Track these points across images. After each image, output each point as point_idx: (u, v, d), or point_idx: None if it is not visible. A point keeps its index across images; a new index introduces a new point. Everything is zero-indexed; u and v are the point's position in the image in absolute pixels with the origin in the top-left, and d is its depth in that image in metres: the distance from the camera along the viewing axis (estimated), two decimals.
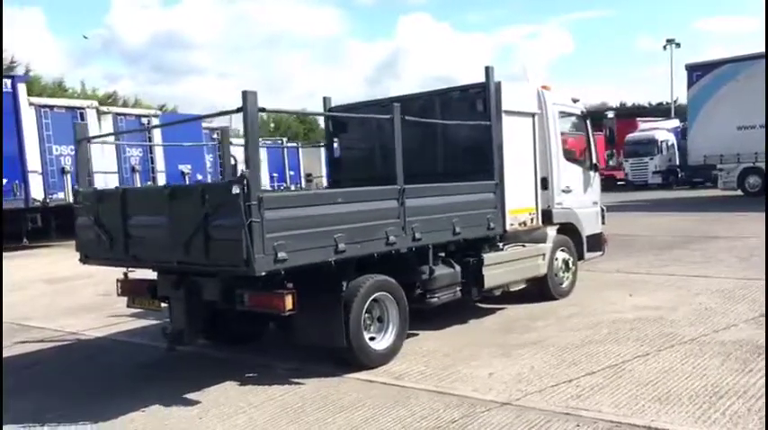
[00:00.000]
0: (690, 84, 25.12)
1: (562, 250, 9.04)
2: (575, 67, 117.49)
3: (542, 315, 8.16)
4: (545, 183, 8.77)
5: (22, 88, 19.31)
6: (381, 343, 6.50)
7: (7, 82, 19.11)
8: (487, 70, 7.68)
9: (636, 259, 12.28)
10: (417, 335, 7.50)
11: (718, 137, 23.06)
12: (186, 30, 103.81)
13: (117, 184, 23.84)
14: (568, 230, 9.22)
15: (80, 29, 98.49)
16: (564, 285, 9.08)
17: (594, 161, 9.82)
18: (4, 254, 17.61)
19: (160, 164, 26.54)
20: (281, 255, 5.36)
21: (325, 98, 9.21)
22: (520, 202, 8.18)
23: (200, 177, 28.11)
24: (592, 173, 9.75)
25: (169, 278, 6.27)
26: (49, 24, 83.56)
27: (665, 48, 54.04)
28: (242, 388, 6.03)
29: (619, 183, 43.81)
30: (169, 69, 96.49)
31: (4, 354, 7.67)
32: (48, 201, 20.14)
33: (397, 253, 6.53)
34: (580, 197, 9.43)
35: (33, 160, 20.13)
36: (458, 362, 6.44)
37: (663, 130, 40.26)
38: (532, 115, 8.41)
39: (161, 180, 26.09)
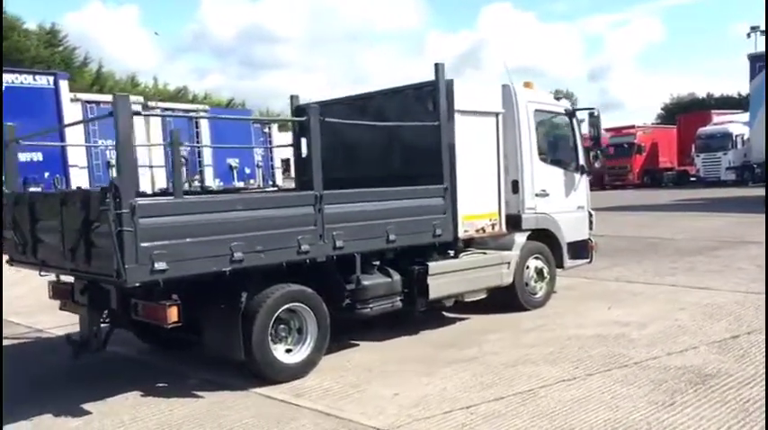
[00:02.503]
0: (752, 75, 23.43)
1: (536, 258, 8.47)
2: (665, 56, 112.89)
3: (501, 327, 7.67)
4: (516, 187, 8.22)
5: (64, 85, 19.93)
6: (297, 355, 6.21)
7: (50, 78, 19.80)
8: (437, 67, 7.21)
9: (646, 266, 11.47)
10: (357, 345, 7.21)
11: None
12: (272, 23, 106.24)
13: (165, 179, 24.47)
14: (545, 237, 8.63)
15: (173, 24, 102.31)
16: (538, 295, 8.51)
17: (581, 163, 9.10)
18: None
19: (208, 158, 26.94)
20: (160, 265, 5.13)
21: (292, 97, 8.96)
22: (477, 208, 7.66)
23: (248, 171, 28.43)
24: (577, 175, 9.05)
25: (80, 283, 6.20)
26: (144, 20, 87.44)
27: (748, 35, 50.85)
28: (142, 399, 5.87)
29: (691, 179, 41.80)
30: (256, 63, 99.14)
31: None
32: None
33: (314, 262, 6.21)
34: (561, 201, 8.79)
35: (78, 155, 20.83)
36: (374, 379, 6.08)
37: (738, 124, 37.88)
38: (495, 115, 7.86)
39: (208, 174, 26.56)
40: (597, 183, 43.04)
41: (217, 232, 5.50)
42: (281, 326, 6.15)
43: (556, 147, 9.17)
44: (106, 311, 6.39)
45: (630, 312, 8.07)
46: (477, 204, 7.66)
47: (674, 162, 44.46)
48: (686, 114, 47.68)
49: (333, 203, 6.28)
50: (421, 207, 7.08)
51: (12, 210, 6.41)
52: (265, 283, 6.00)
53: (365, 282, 6.67)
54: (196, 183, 26.28)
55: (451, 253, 7.58)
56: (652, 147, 43.58)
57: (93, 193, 5.25)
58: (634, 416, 4.84)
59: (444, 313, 8.18)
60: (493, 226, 7.86)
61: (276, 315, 6.00)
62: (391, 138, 7.90)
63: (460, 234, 7.50)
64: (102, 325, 6.54)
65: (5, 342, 8.32)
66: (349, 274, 6.63)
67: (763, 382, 5.34)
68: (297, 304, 6.18)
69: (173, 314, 5.39)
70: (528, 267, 8.36)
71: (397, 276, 7.00)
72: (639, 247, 13.76)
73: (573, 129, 9.06)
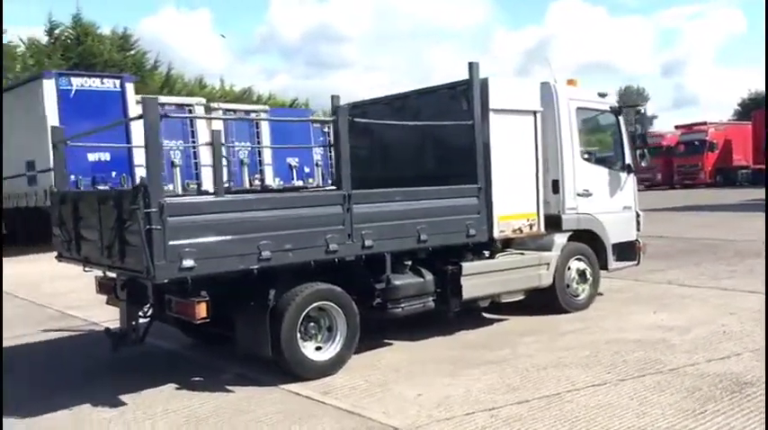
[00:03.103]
0: None
1: (578, 259, 8.29)
2: (746, 49, 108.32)
3: (539, 329, 7.55)
4: (556, 187, 8.07)
5: (130, 88, 20.64)
6: (326, 353, 6.27)
7: (116, 81, 20.57)
8: (471, 66, 7.15)
9: (702, 268, 11.08)
10: (391, 345, 7.23)
11: None
12: (338, 23, 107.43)
13: (225, 177, 25.02)
14: (590, 238, 8.44)
15: (242, 27, 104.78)
16: (580, 298, 8.33)
17: (628, 161, 8.85)
18: None
19: (268, 157, 27.39)
20: (188, 262, 5.28)
21: (333, 97, 9.03)
22: (514, 208, 7.56)
23: (307, 170, 28.78)
24: (623, 175, 8.80)
25: (120, 279, 6.43)
26: (215, 24, 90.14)
27: None
28: (176, 391, 6.05)
29: None
30: (323, 63, 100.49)
31: (26, 340, 8.30)
32: None
33: (343, 261, 6.26)
34: (605, 201, 8.57)
35: (143, 155, 21.59)
36: (401, 378, 6.09)
37: None
38: (533, 113, 7.73)
39: (268, 173, 27.03)
40: (666, 182, 41.92)
41: (245, 231, 5.61)
42: (311, 324, 6.22)
43: (600, 146, 8.95)
44: (148, 306, 6.62)
45: (676, 316, 7.81)
46: (513, 204, 7.56)
47: (749, 160, 42.59)
48: (761, 110, 45.56)
49: (361, 203, 6.31)
50: (453, 207, 7.04)
51: (58, 209, 6.71)
52: (294, 282, 6.08)
53: (396, 282, 6.68)
54: (257, 182, 26.89)
55: (487, 253, 7.50)
56: (725, 144, 41.96)
57: (125, 193, 5.44)
58: (659, 424, 4.69)
59: (483, 314, 8.11)
60: (531, 226, 7.74)
61: (305, 313, 6.08)
62: (427, 138, 7.89)
63: (496, 234, 7.42)
64: (144, 319, 6.79)
65: (62, 334, 8.73)
66: (379, 274, 6.64)
67: None
68: (326, 302, 6.23)
69: (201, 310, 5.53)
70: (569, 268, 8.19)
71: (429, 276, 6.97)
72: (699, 248, 13.30)
73: (619, 128, 8.82)
